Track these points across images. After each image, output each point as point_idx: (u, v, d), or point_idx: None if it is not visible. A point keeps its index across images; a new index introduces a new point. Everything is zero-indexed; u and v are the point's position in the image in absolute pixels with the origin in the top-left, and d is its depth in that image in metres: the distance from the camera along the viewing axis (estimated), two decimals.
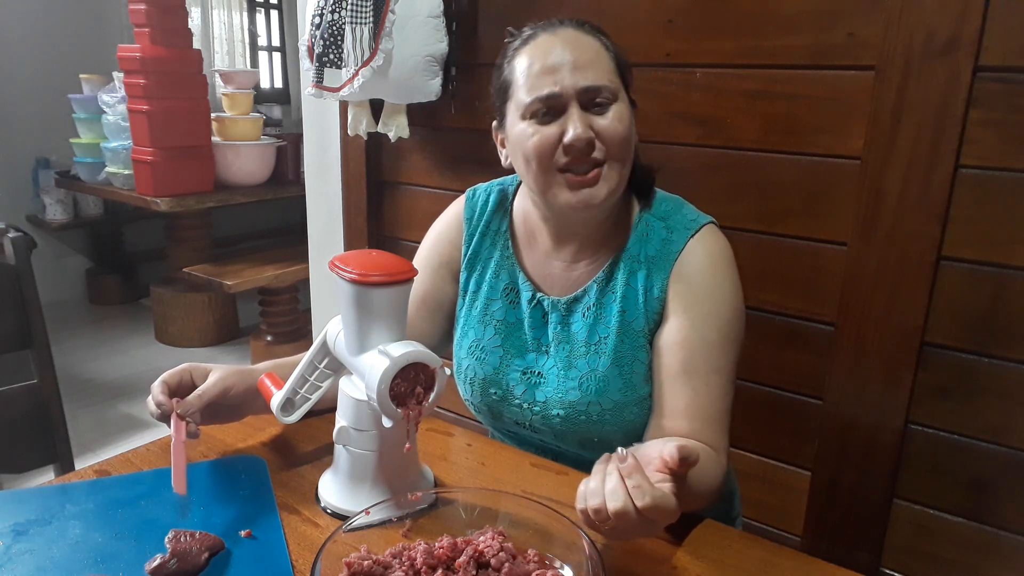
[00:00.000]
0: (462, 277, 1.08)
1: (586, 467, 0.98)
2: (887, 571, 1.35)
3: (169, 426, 0.85)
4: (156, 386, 0.87)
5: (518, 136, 0.92)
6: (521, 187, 1.07)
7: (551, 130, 0.89)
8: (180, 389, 0.88)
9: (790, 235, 1.36)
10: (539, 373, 1.00)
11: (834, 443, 1.35)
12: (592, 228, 0.98)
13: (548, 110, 0.89)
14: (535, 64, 0.90)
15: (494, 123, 1.00)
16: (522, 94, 0.91)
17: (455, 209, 1.11)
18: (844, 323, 1.30)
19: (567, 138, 0.88)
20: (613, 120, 0.89)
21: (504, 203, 1.08)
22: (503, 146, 1.00)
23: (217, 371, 0.90)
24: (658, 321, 0.96)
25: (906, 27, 1.17)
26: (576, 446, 1.00)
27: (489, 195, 1.09)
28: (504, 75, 0.95)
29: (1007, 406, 1.20)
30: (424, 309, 1.08)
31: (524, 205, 1.05)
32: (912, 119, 1.18)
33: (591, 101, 0.89)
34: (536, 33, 0.93)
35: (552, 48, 0.90)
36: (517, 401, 1.01)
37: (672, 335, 0.93)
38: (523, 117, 0.91)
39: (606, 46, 0.93)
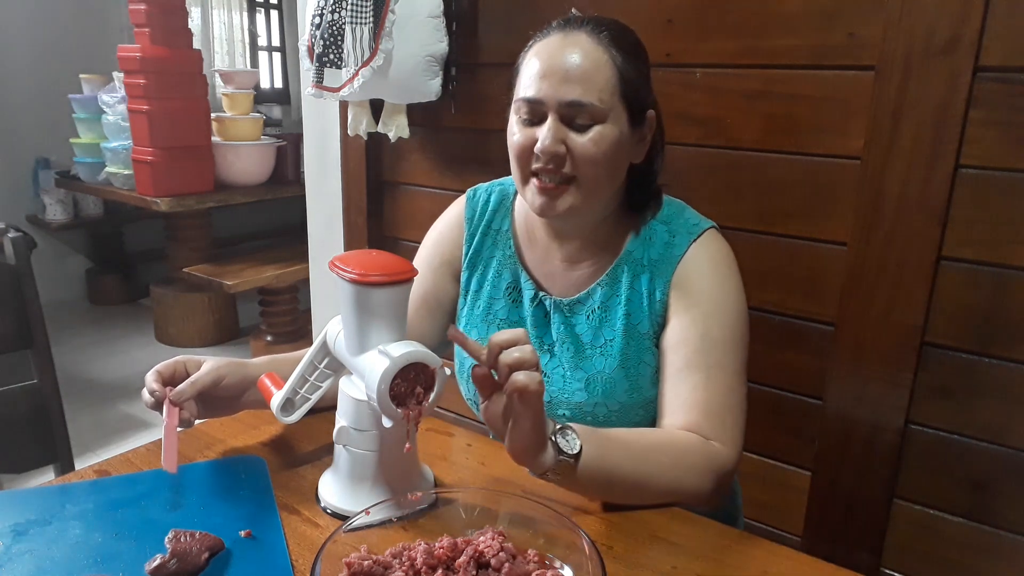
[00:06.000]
0: (463, 276, 1.08)
1: None
2: (887, 571, 1.35)
3: (162, 414, 0.85)
4: (150, 375, 0.88)
5: (509, 129, 0.95)
6: None
7: (530, 133, 0.91)
8: (174, 380, 0.89)
9: (790, 235, 1.36)
10: (543, 372, 1.00)
11: (834, 443, 1.35)
12: (588, 230, 0.99)
13: (531, 113, 0.91)
14: (535, 64, 0.90)
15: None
16: (519, 90, 0.92)
17: (456, 209, 1.11)
18: (844, 323, 1.30)
19: (536, 147, 0.89)
20: (588, 141, 0.89)
21: (505, 202, 1.08)
22: None
23: (211, 362, 0.91)
24: (662, 324, 0.96)
25: (906, 27, 1.17)
26: None
27: (490, 195, 1.09)
28: (518, 64, 0.96)
29: (1007, 406, 1.20)
30: (424, 309, 1.08)
31: (525, 204, 1.05)
32: (912, 119, 1.18)
33: (572, 116, 0.89)
34: (553, 31, 0.92)
35: (555, 52, 0.89)
36: None
37: (674, 335, 0.94)
38: (515, 112, 0.93)
39: (614, 60, 0.89)
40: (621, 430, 0.87)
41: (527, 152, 0.91)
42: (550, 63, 0.89)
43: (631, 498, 0.84)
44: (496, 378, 0.74)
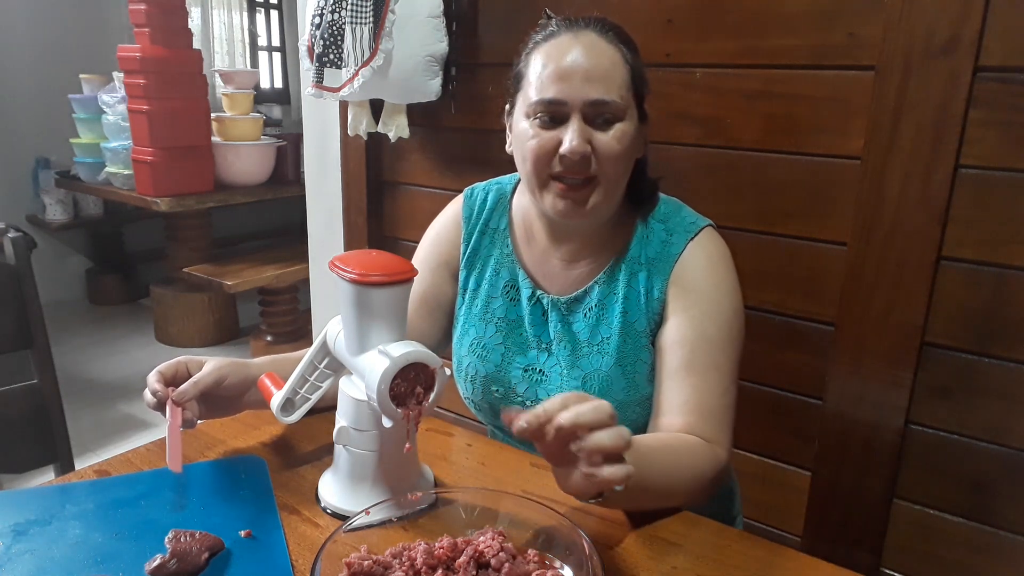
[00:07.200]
0: (461, 276, 1.08)
1: None
2: (887, 571, 1.35)
3: (165, 415, 0.86)
4: (152, 376, 0.88)
5: (520, 133, 0.93)
6: (520, 185, 1.07)
7: (550, 136, 0.89)
8: (176, 380, 0.89)
9: (790, 235, 1.36)
10: (540, 371, 1.01)
11: (834, 443, 1.35)
12: (589, 231, 0.99)
13: (551, 115, 0.89)
14: (548, 65, 0.89)
15: (506, 106, 0.99)
16: (531, 92, 0.91)
17: (453, 208, 1.11)
18: (844, 323, 1.30)
19: (563, 149, 0.88)
20: (612, 139, 0.89)
21: (502, 201, 1.08)
22: (510, 131, 0.99)
23: (212, 362, 0.91)
24: (659, 322, 0.96)
25: (906, 27, 1.17)
26: None
27: (487, 194, 1.09)
28: (519, 67, 0.95)
29: (1007, 406, 1.20)
30: (424, 309, 1.08)
31: (522, 203, 1.06)
32: (912, 119, 1.18)
33: (595, 115, 0.88)
34: (559, 31, 0.91)
35: (569, 52, 0.88)
36: (519, 399, 1.02)
37: (671, 335, 0.94)
38: (527, 116, 0.91)
39: (625, 57, 0.90)
40: (647, 439, 0.85)
41: (548, 156, 0.90)
42: (568, 63, 0.88)
43: (655, 506, 0.83)
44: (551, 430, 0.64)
